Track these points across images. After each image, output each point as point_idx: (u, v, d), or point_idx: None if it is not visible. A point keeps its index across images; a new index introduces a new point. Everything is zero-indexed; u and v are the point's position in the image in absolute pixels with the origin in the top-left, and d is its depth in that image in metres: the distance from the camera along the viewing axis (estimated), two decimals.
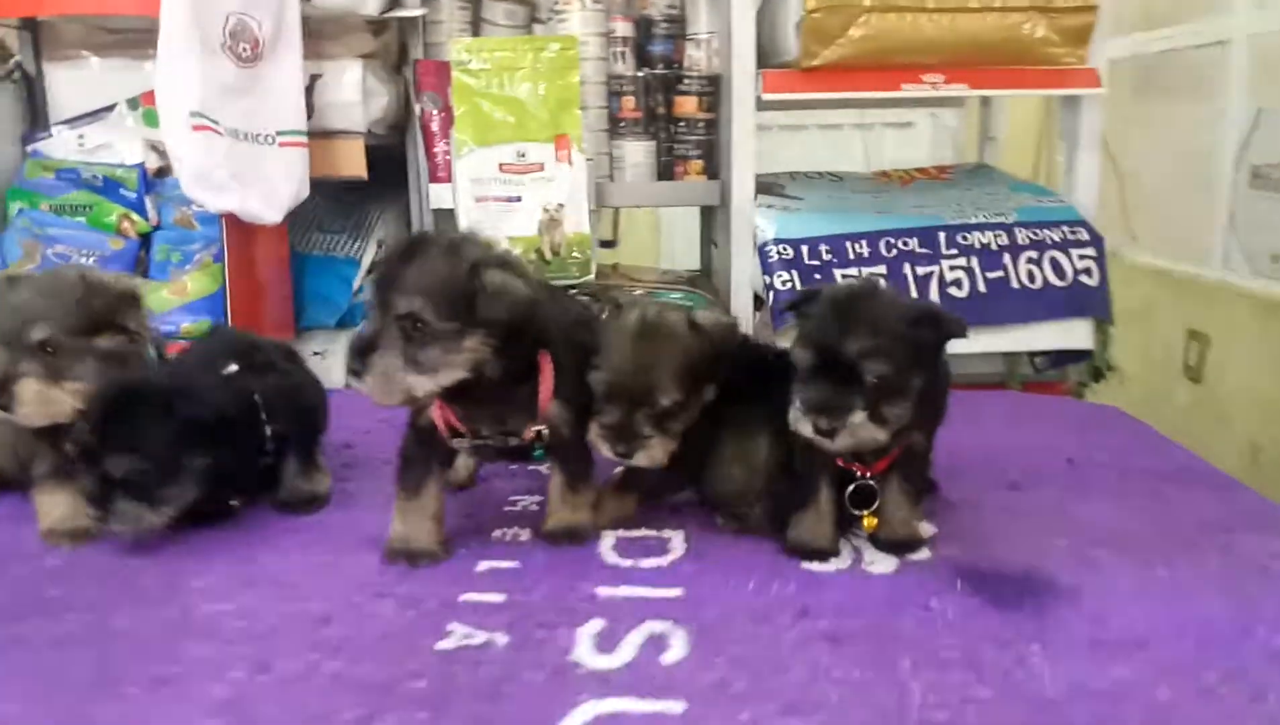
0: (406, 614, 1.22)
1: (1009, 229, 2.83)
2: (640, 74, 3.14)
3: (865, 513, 1.47)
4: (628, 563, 1.37)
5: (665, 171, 3.17)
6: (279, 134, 2.58)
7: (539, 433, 1.41)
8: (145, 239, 2.63)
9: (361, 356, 1.21)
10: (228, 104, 2.43)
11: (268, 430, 1.56)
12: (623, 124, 3.15)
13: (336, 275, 3.00)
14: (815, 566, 1.37)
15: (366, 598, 1.27)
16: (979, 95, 3.00)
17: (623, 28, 3.17)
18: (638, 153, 3.15)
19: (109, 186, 2.65)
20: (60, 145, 2.69)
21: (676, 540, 1.46)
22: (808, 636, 1.15)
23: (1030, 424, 2.17)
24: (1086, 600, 1.23)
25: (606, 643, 1.13)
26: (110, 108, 2.71)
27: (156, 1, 2.36)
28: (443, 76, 3.03)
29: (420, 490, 1.41)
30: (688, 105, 3.13)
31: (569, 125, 2.96)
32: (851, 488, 1.45)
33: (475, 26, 3.16)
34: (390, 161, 3.07)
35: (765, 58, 2.97)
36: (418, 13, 2.96)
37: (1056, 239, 2.81)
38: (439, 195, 3.06)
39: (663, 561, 1.38)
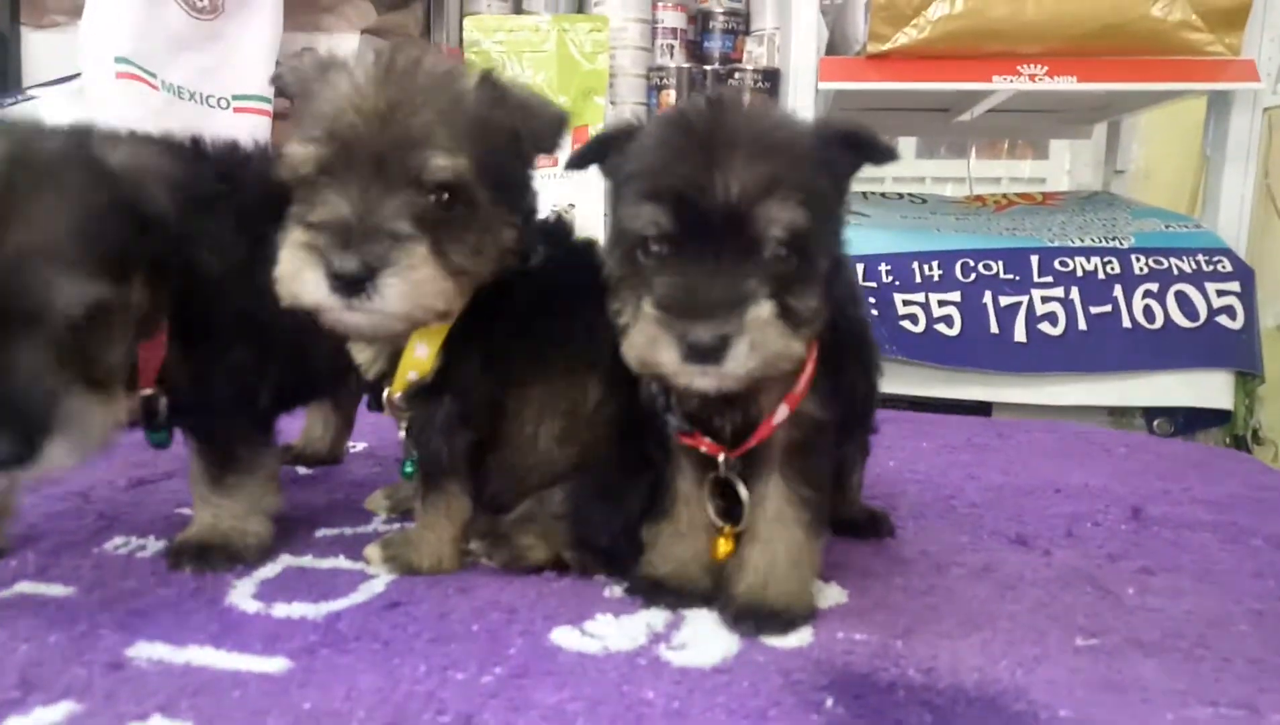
0: None
1: (1123, 255, 2.22)
2: (684, 66, 2.72)
3: (728, 530, 0.87)
4: (256, 607, 0.82)
5: None
6: (235, 98, 2.26)
7: (150, 406, 0.87)
8: None
9: None
10: (173, 57, 2.13)
11: None
12: None
13: None
14: (574, 640, 0.76)
15: None
16: (1090, 90, 2.38)
17: (672, 18, 2.77)
18: None
19: None
20: (30, 110, 2.45)
21: (380, 578, 0.90)
22: None
23: (1096, 460, 1.47)
24: None
25: None
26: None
27: None
28: None
29: None
30: None
31: (590, 116, 2.55)
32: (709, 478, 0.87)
33: (516, 15, 2.82)
34: None
35: (839, 53, 2.50)
36: None
37: (1187, 269, 2.18)
38: None
39: (315, 610, 0.81)
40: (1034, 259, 2.25)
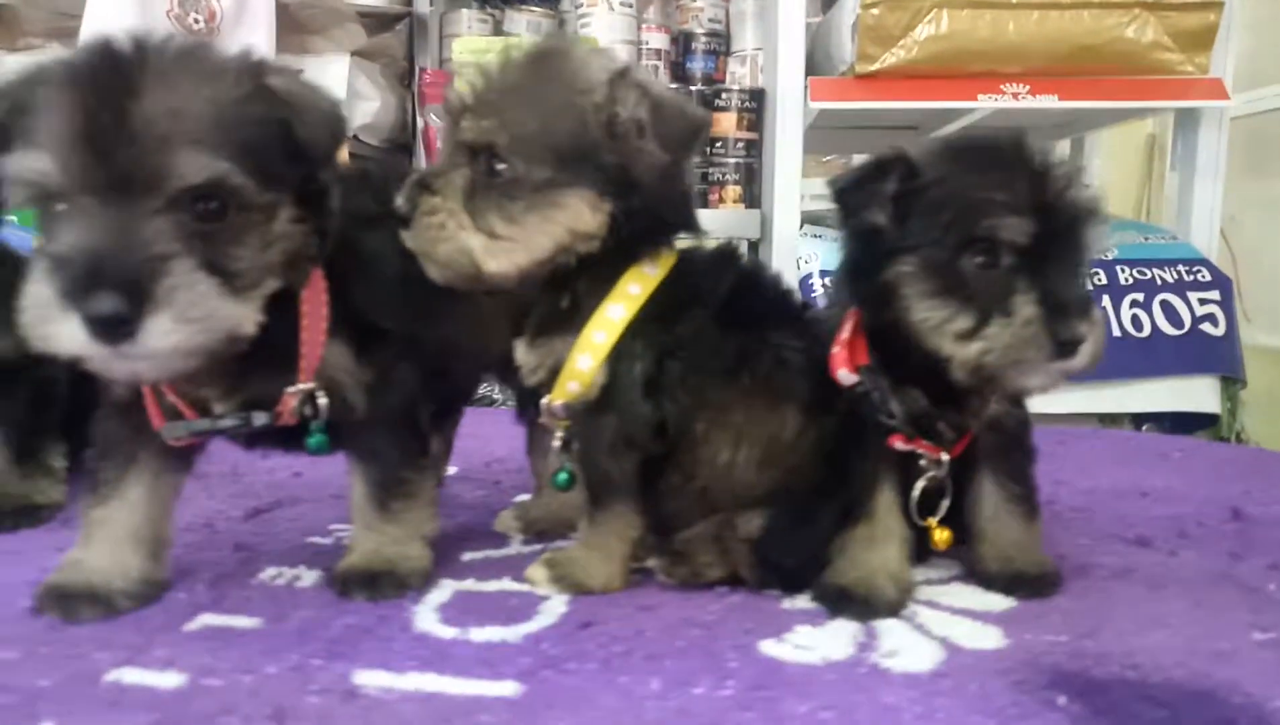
0: None
1: (1108, 267, 2.31)
2: (671, 87, 2.75)
3: (933, 522, 0.94)
4: (451, 632, 0.81)
5: (698, 199, 2.73)
6: None
7: (310, 403, 0.85)
8: None
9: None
10: None
11: None
12: None
13: None
14: (788, 652, 0.78)
15: None
16: (1066, 108, 2.49)
17: (657, 39, 2.81)
18: None
19: None
20: None
21: (555, 598, 0.91)
22: None
23: (1159, 464, 1.53)
24: None
25: None
26: None
27: None
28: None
29: (116, 494, 0.88)
30: (725, 123, 2.70)
31: None
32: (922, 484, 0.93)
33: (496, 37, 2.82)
34: None
35: (820, 72, 2.57)
36: (427, 10, 2.64)
37: (1170, 280, 2.28)
38: None
39: (512, 633, 0.81)
40: None
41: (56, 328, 0.67)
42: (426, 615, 0.85)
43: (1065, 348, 0.82)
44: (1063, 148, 3.35)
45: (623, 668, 0.74)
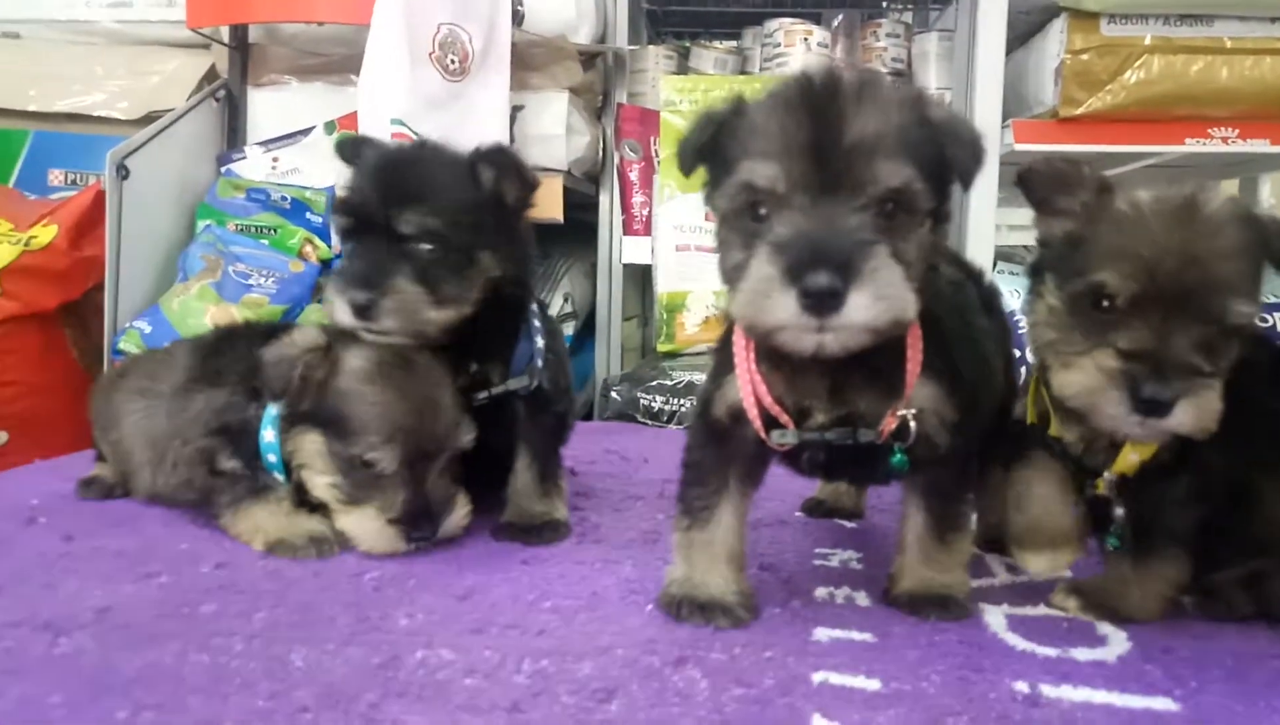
0: (732, 695, 0.78)
1: None
2: None
3: None
4: (1050, 651, 0.89)
5: None
6: None
7: (902, 427, 0.92)
8: (326, 265, 2.38)
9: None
10: (429, 116, 2.19)
11: None
12: None
13: None
14: None
15: (666, 664, 0.84)
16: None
17: None
18: None
19: (296, 208, 2.43)
20: (253, 166, 2.51)
21: (1104, 624, 0.98)
22: None
23: None
24: None
25: None
26: (306, 131, 2.50)
27: (366, 10, 2.17)
28: (647, 124, 2.80)
29: (713, 517, 0.96)
30: None
31: None
32: None
33: (681, 75, 2.92)
34: (582, 210, 2.80)
35: (1008, 112, 2.63)
36: (626, 48, 2.76)
37: None
38: (632, 249, 2.78)
39: (1107, 654, 0.89)
40: None
41: (774, 301, 0.77)
42: (1009, 635, 0.92)
43: None
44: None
45: (1247, 693, 0.81)
